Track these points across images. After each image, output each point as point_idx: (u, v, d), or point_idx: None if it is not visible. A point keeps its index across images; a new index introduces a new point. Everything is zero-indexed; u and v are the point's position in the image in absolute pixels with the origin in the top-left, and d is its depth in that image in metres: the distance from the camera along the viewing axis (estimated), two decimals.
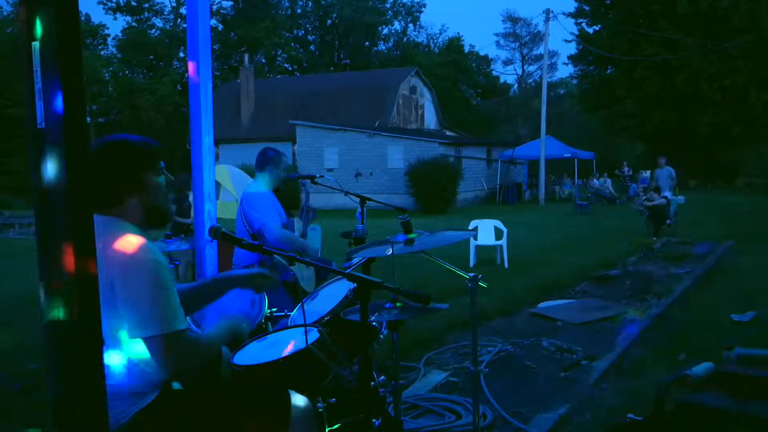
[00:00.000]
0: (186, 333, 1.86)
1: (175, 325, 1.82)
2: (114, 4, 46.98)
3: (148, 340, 1.80)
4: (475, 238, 9.46)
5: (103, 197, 1.94)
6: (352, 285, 2.36)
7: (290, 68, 52.22)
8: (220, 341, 2.09)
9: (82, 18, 40.38)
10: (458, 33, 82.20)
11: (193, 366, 1.90)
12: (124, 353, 1.83)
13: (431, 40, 58.15)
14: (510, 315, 6.38)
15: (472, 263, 9.25)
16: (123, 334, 1.81)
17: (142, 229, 1.99)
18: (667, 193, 14.37)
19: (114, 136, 2.05)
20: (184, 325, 1.86)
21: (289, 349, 2.39)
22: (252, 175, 4.68)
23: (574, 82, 46.82)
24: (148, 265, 1.82)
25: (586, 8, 36.81)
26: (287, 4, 52.35)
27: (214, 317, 2.84)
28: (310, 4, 53.15)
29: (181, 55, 44.62)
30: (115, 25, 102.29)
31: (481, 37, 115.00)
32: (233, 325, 2.20)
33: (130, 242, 1.85)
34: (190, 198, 9.45)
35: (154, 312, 1.79)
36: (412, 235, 2.53)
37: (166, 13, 49.33)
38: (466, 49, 55.22)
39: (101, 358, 1.09)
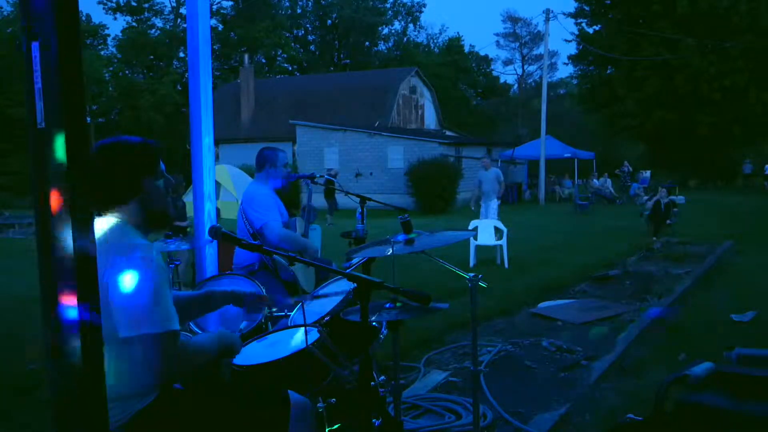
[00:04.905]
0: (179, 334, 1.85)
1: (169, 326, 1.81)
2: (114, 4, 46.94)
3: (140, 338, 1.78)
4: (475, 238, 9.46)
5: (103, 200, 1.95)
6: (352, 285, 2.36)
7: (290, 68, 52.19)
8: (211, 348, 2.03)
9: (82, 18, 40.37)
10: (458, 33, 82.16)
11: (181, 369, 1.88)
12: (124, 354, 1.83)
13: (431, 40, 58.16)
14: (510, 315, 6.38)
15: (472, 263, 9.25)
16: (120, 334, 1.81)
17: (142, 231, 1.99)
18: (494, 202, 12.36)
19: (113, 138, 2.03)
20: (177, 327, 1.85)
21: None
22: (252, 175, 4.68)
23: (574, 82, 46.82)
24: (145, 265, 1.82)
25: (586, 8, 36.79)
26: (287, 4, 52.31)
27: (216, 319, 2.85)
28: (310, 4, 53.14)
29: (181, 55, 44.59)
30: (115, 25, 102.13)
31: (481, 37, 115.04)
32: (228, 337, 2.12)
33: (128, 243, 1.85)
34: (184, 199, 9.46)
35: (148, 311, 1.78)
36: (412, 235, 2.53)
37: (166, 13, 49.33)
38: (466, 49, 55.19)
39: (101, 359, 1.09)
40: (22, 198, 25.62)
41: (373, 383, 2.23)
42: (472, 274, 2.73)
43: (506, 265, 9.18)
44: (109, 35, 47.68)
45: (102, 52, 46.03)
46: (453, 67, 50.44)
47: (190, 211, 5.54)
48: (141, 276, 1.80)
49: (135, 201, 1.97)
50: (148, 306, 1.79)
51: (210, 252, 4.49)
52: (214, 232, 2.19)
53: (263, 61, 49.52)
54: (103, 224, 1.90)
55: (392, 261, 2.43)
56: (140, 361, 1.82)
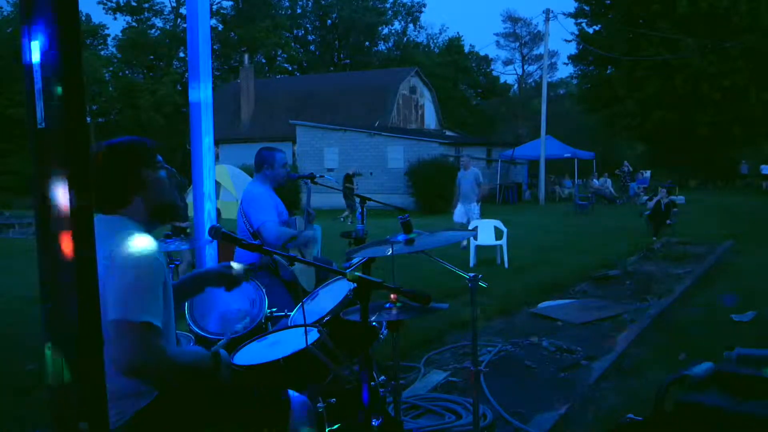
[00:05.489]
0: (156, 331, 1.78)
1: (147, 318, 1.75)
2: (114, 4, 46.95)
3: (114, 323, 1.73)
4: (475, 238, 9.46)
5: (108, 199, 1.96)
6: (352, 285, 2.36)
7: (290, 68, 52.20)
8: (192, 361, 1.96)
9: (82, 18, 40.38)
10: (458, 33, 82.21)
11: (149, 370, 1.79)
12: None
13: (431, 40, 58.15)
14: (510, 315, 6.38)
15: (472, 263, 9.25)
16: None
17: (147, 227, 1.99)
18: (474, 206, 11.32)
19: (111, 140, 2.06)
20: (157, 322, 1.79)
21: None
22: (252, 175, 4.68)
23: (574, 82, 46.80)
24: (142, 257, 1.81)
25: (586, 8, 36.78)
26: (287, 4, 52.33)
27: (216, 317, 2.85)
28: (310, 4, 53.15)
29: (181, 55, 44.60)
30: (115, 25, 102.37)
31: (481, 37, 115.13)
32: (213, 357, 2.02)
33: (131, 240, 1.85)
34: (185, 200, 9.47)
35: (130, 297, 1.75)
36: (412, 235, 2.53)
37: (166, 13, 49.34)
38: (466, 49, 55.16)
39: (101, 359, 1.08)
40: (22, 198, 25.65)
41: (373, 383, 2.23)
42: (472, 274, 2.73)
43: (506, 265, 9.18)
44: (109, 35, 47.80)
45: (102, 52, 46.07)
46: (453, 67, 50.45)
47: (190, 211, 5.54)
48: (135, 266, 1.79)
49: (139, 198, 1.98)
50: (132, 293, 1.76)
51: (210, 252, 4.50)
52: (214, 232, 2.18)
53: (263, 61, 49.53)
54: (106, 223, 1.90)
55: (392, 261, 2.43)
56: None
